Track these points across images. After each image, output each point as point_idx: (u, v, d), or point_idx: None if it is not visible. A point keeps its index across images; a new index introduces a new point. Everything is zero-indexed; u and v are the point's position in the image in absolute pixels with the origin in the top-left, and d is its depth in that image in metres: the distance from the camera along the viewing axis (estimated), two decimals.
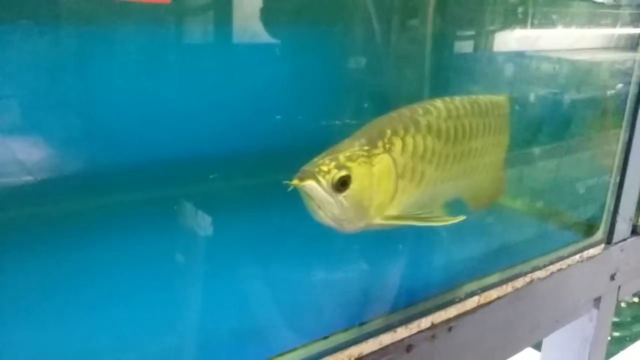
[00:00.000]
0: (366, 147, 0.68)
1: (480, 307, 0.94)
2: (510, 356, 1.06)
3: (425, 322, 0.87)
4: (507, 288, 0.98)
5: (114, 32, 0.59)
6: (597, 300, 1.23)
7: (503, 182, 1.00)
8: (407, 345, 0.85)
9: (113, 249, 0.61)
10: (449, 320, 0.90)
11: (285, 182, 0.62)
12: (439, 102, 0.79)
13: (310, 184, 0.63)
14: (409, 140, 0.72)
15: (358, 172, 0.66)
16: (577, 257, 1.14)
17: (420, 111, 0.76)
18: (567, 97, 1.22)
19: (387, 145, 0.70)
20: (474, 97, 0.87)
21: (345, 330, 0.80)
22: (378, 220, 0.70)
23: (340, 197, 0.65)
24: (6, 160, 0.55)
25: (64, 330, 0.60)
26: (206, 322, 0.72)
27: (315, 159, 0.65)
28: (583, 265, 1.15)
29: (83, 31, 0.57)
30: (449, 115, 0.79)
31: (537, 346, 1.46)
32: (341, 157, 0.65)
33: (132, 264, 0.64)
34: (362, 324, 0.82)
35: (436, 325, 0.88)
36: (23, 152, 0.56)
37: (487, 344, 0.98)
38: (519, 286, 1.00)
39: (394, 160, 0.70)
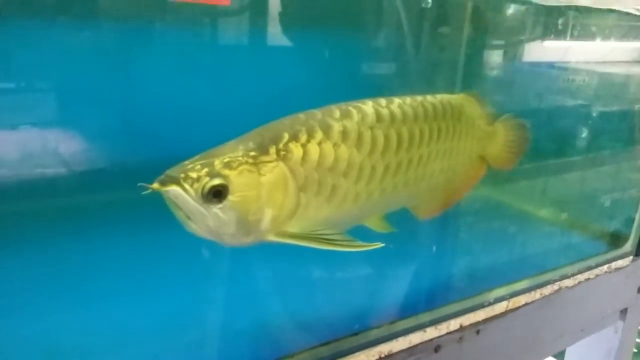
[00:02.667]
0: (253, 153, 0.58)
1: (508, 312, 0.95)
2: None
3: (454, 324, 0.88)
4: (535, 295, 0.99)
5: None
6: (624, 312, 1.23)
7: (464, 186, 0.87)
8: (435, 346, 0.86)
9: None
10: (477, 323, 0.91)
11: (141, 184, 0.52)
12: (368, 105, 0.68)
13: (174, 190, 0.53)
14: (313, 148, 0.61)
15: (238, 182, 0.56)
16: (605, 267, 1.14)
17: (337, 114, 0.64)
18: (596, 110, 1.22)
19: (282, 153, 0.59)
20: (423, 97, 0.75)
21: (376, 327, 0.82)
22: (272, 237, 0.60)
23: (215, 209, 0.55)
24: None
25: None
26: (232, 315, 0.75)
27: (186, 162, 0.56)
28: (611, 276, 1.15)
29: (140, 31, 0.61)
30: (379, 121, 0.67)
31: (560, 357, 1.46)
32: (217, 163, 0.55)
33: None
34: (392, 322, 0.84)
35: (465, 327, 0.90)
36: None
37: (513, 349, 0.99)
38: (547, 293, 1.01)
39: (292, 171, 0.60)
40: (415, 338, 0.84)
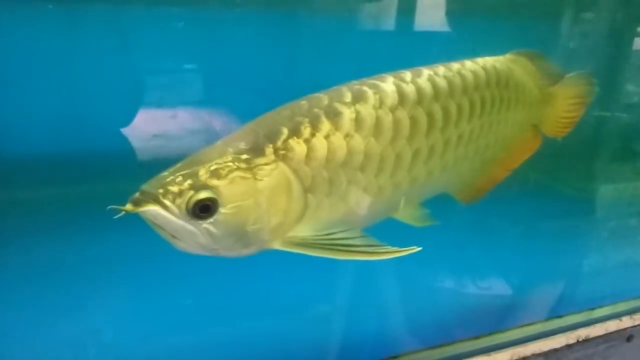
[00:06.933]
0: (246, 156, 0.49)
1: None
2: None
3: None
4: None
5: None
6: None
7: (513, 161, 0.74)
8: (628, 335, 0.88)
9: None
10: None
11: (112, 207, 0.44)
12: (388, 82, 0.56)
13: (152, 210, 0.45)
14: (319, 143, 0.51)
15: (230, 192, 0.47)
16: None
17: (349, 97, 0.54)
18: None
19: (281, 152, 0.50)
20: (460, 64, 0.63)
21: (578, 313, 0.85)
22: (278, 245, 0.52)
23: (205, 224, 0.47)
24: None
25: None
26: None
27: (165, 173, 0.48)
28: None
29: None
30: (403, 100, 0.55)
31: None
32: (202, 173, 0.47)
33: None
34: (592, 309, 0.86)
35: None
36: None
37: None
38: None
39: (295, 171, 0.51)
40: (612, 326, 0.86)
